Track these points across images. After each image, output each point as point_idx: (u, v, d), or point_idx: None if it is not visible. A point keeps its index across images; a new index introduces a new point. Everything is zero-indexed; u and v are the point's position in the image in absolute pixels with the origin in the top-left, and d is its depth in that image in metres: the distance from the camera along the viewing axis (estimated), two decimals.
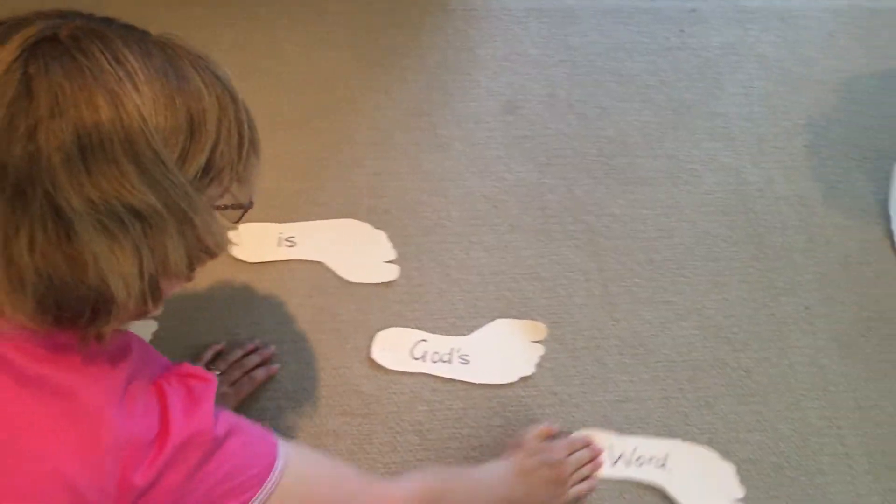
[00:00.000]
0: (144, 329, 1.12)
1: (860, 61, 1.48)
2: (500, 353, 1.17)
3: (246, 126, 0.61)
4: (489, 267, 1.24)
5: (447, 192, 1.29)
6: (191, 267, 0.61)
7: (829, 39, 1.50)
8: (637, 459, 1.09)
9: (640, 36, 1.46)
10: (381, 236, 1.24)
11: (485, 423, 1.11)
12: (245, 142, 0.61)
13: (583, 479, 1.04)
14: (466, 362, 1.15)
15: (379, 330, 1.16)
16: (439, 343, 1.16)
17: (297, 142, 1.31)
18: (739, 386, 1.16)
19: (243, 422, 0.67)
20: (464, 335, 1.18)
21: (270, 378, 1.11)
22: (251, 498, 0.64)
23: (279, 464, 0.67)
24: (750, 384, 1.17)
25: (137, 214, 0.54)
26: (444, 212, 1.27)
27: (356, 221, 1.25)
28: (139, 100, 0.53)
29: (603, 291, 1.22)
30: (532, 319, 1.20)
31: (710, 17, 1.50)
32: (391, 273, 1.21)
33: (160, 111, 0.54)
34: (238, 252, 1.20)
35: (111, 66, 0.53)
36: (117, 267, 0.54)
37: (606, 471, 1.08)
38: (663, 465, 1.09)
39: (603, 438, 1.10)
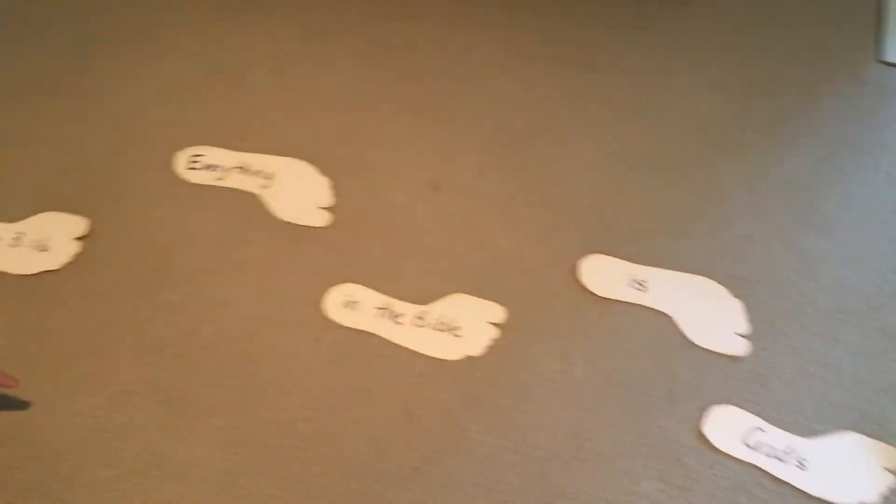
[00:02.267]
0: None
1: None
2: (844, 469, 1.04)
3: None
4: (850, 371, 1.11)
5: (818, 277, 1.18)
6: None
7: None
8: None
9: None
10: (737, 305, 1.16)
11: None
12: None
13: None
14: (803, 468, 1.04)
15: (715, 403, 1.09)
16: (777, 437, 1.06)
17: (669, 185, 1.27)
18: None
19: None
20: (805, 437, 1.06)
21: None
22: None
23: None
24: None
25: None
26: (810, 296, 1.16)
27: (714, 283, 1.18)
28: None
29: None
30: (887, 443, 1.06)
31: None
32: (741, 347, 1.13)
33: None
34: (588, 282, 1.18)
35: None
36: None
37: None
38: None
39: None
